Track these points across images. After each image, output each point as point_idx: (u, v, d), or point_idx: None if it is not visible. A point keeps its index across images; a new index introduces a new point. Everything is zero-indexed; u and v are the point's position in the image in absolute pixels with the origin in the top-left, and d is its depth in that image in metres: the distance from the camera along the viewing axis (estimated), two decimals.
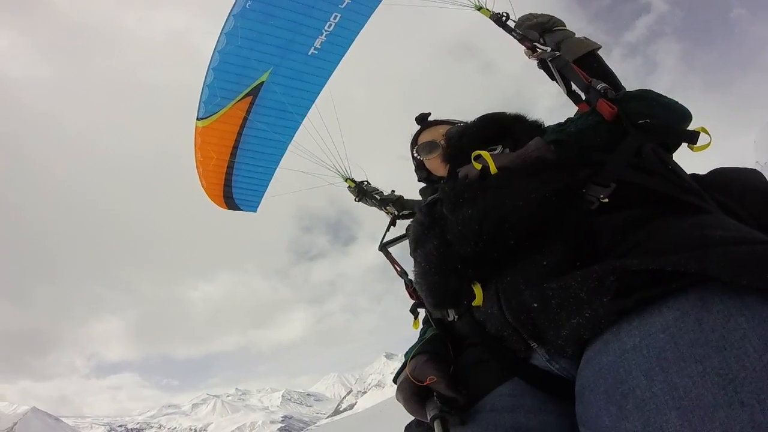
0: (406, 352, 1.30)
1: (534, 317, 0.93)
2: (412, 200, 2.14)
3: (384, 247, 1.94)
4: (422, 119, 1.86)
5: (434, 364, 1.15)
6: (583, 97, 1.37)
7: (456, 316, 1.17)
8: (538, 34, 1.74)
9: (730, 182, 1.09)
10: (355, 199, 2.39)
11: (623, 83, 1.50)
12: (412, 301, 1.63)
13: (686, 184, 1.01)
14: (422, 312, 1.56)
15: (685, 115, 1.20)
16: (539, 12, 1.80)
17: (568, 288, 0.86)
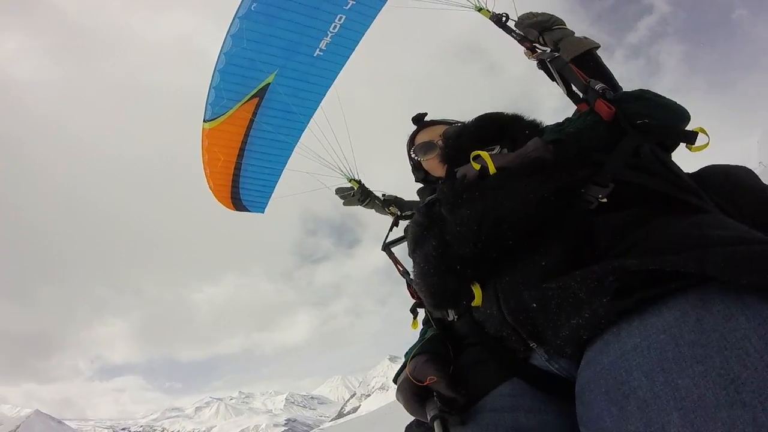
0: (406, 353, 1.31)
1: (533, 317, 0.93)
2: (411, 201, 2.14)
3: (387, 247, 1.95)
4: (419, 119, 1.86)
5: (434, 364, 1.15)
6: (582, 97, 1.37)
7: (455, 317, 1.17)
8: (538, 33, 1.74)
9: (721, 180, 1.08)
10: (343, 203, 2.39)
11: (626, 85, 1.50)
12: (414, 301, 1.63)
13: (684, 184, 1.01)
14: (422, 312, 1.57)
15: (684, 115, 1.20)
16: (540, 11, 1.80)
17: (567, 288, 0.86)
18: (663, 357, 0.69)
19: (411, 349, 1.29)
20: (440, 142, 1.63)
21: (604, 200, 1.01)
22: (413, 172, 1.86)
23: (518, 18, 1.86)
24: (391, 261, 1.92)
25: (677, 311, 0.73)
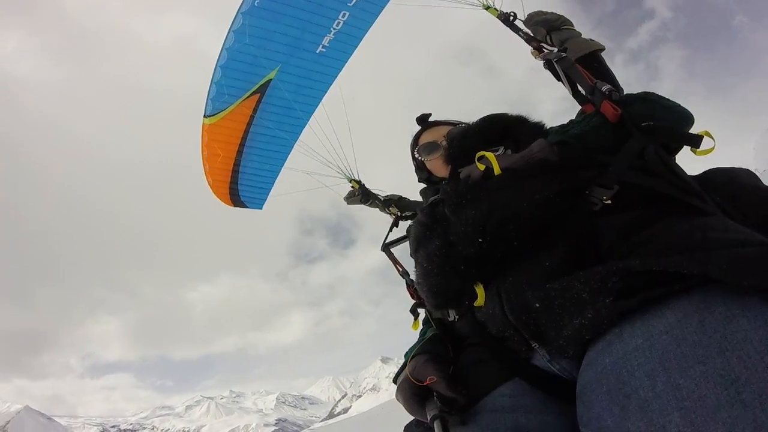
0: (406, 353, 1.31)
1: (536, 317, 0.93)
2: (413, 201, 2.14)
3: (387, 248, 1.94)
4: (423, 120, 1.86)
5: (434, 364, 1.15)
6: (588, 98, 1.37)
7: (457, 317, 1.17)
8: (546, 31, 1.74)
9: (724, 182, 1.09)
10: (347, 202, 2.40)
11: (626, 89, 1.51)
12: (412, 302, 1.63)
13: (688, 186, 1.01)
14: (422, 312, 1.56)
15: (688, 118, 1.21)
16: (549, 10, 1.81)
17: (570, 288, 0.86)
18: (665, 357, 0.70)
19: (411, 349, 1.29)
20: (444, 143, 1.63)
21: (609, 202, 1.01)
22: (416, 172, 1.86)
23: (527, 15, 1.86)
24: (389, 261, 1.92)
25: (679, 312, 0.74)
